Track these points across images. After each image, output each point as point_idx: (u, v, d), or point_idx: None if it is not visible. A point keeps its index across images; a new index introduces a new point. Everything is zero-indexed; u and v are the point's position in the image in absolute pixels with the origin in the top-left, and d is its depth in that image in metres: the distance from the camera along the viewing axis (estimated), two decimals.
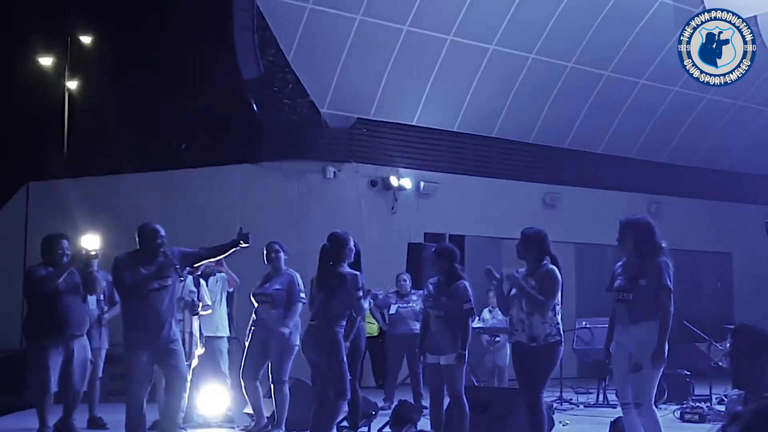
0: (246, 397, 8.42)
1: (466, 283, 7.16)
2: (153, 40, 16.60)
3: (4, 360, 13.19)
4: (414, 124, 15.82)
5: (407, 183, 15.53)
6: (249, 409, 9.00)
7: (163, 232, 7.15)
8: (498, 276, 6.78)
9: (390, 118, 15.55)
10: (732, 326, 10.68)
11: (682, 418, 9.52)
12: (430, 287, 7.30)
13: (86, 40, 18.62)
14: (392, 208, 15.49)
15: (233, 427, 9.04)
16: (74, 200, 15.29)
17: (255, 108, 14.88)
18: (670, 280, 6.13)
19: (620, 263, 6.42)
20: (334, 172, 15.11)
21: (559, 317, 6.59)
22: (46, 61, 18.73)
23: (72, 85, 18.14)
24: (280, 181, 14.97)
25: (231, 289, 9.53)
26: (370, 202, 15.35)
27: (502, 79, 16.05)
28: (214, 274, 9.18)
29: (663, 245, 6.28)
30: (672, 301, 6.12)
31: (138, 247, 7.14)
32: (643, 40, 16.35)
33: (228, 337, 9.50)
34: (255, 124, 15.00)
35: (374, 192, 15.47)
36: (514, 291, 6.65)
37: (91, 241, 7.74)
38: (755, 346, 4.10)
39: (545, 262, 6.63)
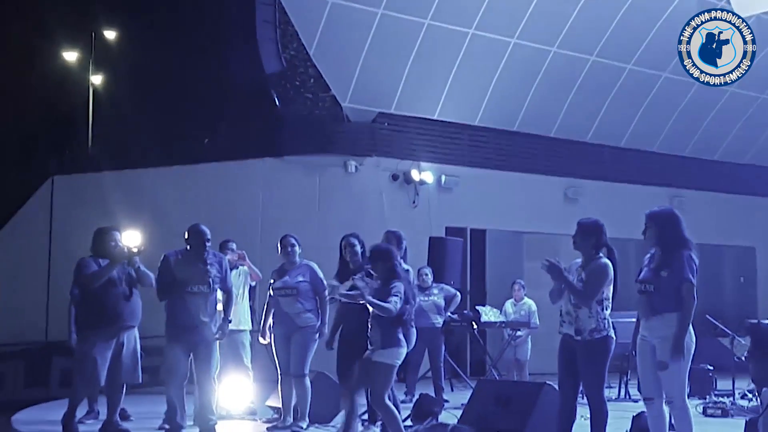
0: (280, 392, 8.44)
1: (400, 284, 7.00)
2: (175, 35, 16.69)
3: (29, 352, 13.35)
4: (435, 118, 15.83)
5: (428, 177, 15.54)
6: (272, 402, 9.06)
7: (208, 236, 7.75)
8: (559, 265, 6.49)
9: (411, 112, 15.57)
10: (755, 321, 10.65)
11: (704, 413, 9.49)
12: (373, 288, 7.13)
13: (110, 35, 18.75)
14: (413, 202, 15.52)
15: (255, 419, 9.10)
16: (98, 194, 15.41)
17: (277, 102, 14.94)
18: (693, 274, 6.07)
19: (648, 255, 6.38)
20: (356, 166, 15.15)
21: (607, 312, 6.50)
22: (70, 56, 18.88)
23: (96, 79, 18.27)
24: (301, 175, 15.02)
25: (253, 283, 9.57)
26: (391, 196, 15.37)
27: (524, 73, 16.02)
28: (237, 268, 9.23)
29: (688, 238, 6.22)
30: (694, 296, 6.07)
31: (186, 246, 7.74)
32: (666, 32, 16.23)
33: (250, 331, 9.55)
34: (277, 119, 15.05)
35: (395, 186, 15.50)
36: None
37: (132, 238, 7.94)
38: None
39: (600, 255, 6.57)
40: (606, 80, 16.77)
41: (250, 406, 9.36)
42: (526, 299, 12.08)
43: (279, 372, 8.40)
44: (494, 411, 7.50)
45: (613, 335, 6.48)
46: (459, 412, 8.10)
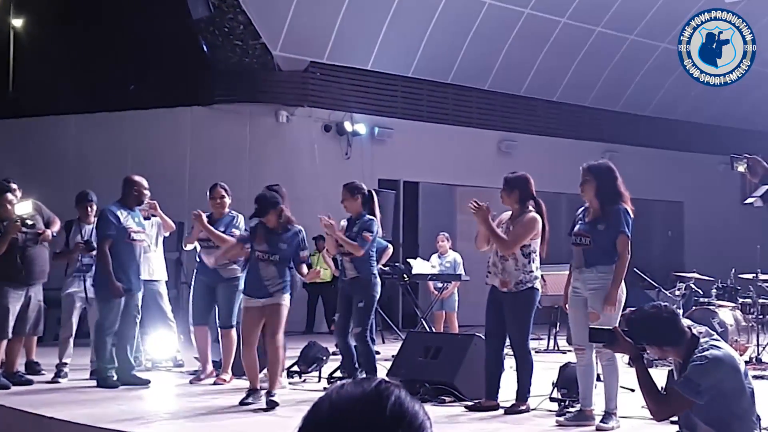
0: (194, 343, 8.31)
1: (301, 229, 7.00)
2: None
3: None
4: (368, 68, 15.61)
5: (361, 128, 15.37)
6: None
7: (145, 185, 7.94)
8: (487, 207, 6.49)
9: (344, 62, 15.32)
10: (681, 274, 10.81)
11: (629, 364, 9.57)
12: (262, 233, 7.01)
13: None
14: (346, 154, 15.35)
15: (182, 373, 8.93)
16: (19, 140, 14.91)
17: (205, 49, 14.55)
18: (628, 228, 6.13)
19: (582, 208, 6.38)
20: (287, 116, 14.89)
21: (534, 265, 6.52)
22: None
23: (17, 22, 17.59)
24: (231, 124, 14.73)
25: (167, 234, 9.17)
26: (323, 147, 15.17)
27: (458, 25, 15.86)
28: (149, 218, 8.84)
29: (624, 192, 6.25)
30: (629, 249, 6.12)
31: (122, 196, 7.93)
32: None
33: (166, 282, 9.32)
34: (205, 66, 14.68)
35: (328, 137, 15.29)
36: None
37: (23, 208, 7.88)
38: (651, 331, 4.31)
39: (528, 208, 6.57)
40: (540, 34, 16.70)
41: (176, 357, 9.19)
42: (450, 252, 12.06)
43: (191, 321, 8.26)
44: (424, 363, 7.47)
45: (539, 287, 6.53)
46: (390, 364, 8.04)
